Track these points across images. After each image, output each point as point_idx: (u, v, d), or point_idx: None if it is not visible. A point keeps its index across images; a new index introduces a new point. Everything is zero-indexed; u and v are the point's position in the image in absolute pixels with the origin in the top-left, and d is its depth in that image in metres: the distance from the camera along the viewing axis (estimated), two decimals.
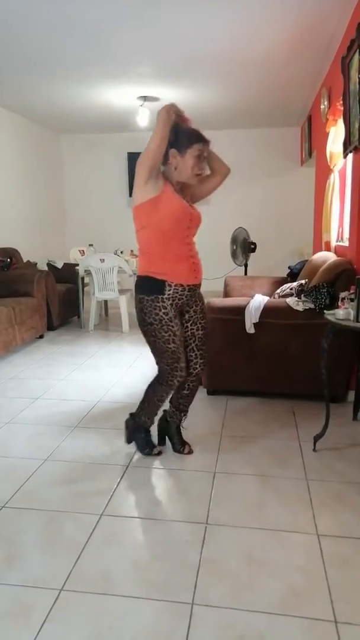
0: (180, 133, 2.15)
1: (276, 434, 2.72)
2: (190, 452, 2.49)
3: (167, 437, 2.55)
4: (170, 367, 2.26)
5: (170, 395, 2.44)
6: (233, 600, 1.53)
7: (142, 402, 2.43)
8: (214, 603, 1.52)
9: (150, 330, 2.22)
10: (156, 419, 2.52)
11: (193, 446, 2.53)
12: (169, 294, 2.18)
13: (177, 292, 2.19)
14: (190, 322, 2.34)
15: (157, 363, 2.31)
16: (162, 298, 2.17)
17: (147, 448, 2.45)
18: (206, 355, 2.42)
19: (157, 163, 2.09)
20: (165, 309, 2.18)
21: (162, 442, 2.55)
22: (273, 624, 1.43)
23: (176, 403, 2.47)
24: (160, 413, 2.50)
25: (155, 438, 2.53)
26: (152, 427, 2.50)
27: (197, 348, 2.37)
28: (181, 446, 2.50)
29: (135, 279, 2.29)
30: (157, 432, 2.55)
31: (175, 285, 2.18)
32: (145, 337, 2.27)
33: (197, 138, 2.16)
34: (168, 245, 2.17)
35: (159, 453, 2.46)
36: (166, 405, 2.48)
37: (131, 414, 2.49)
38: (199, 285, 2.31)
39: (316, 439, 2.53)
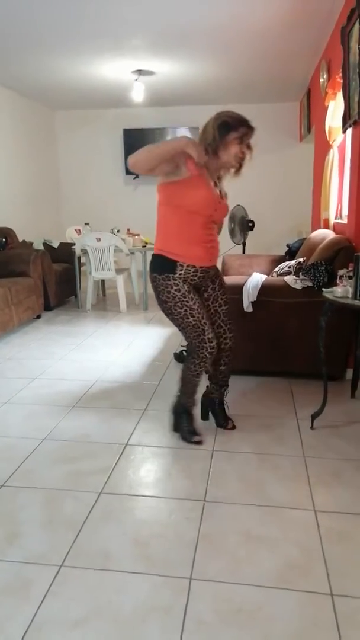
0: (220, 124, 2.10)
1: (274, 412, 2.73)
2: (233, 427, 2.54)
3: (210, 413, 2.60)
4: (197, 340, 2.25)
5: (206, 371, 2.44)
6: (231, 575, 1.55)
7: (180, 383, 2.41)
8: (212, 578, 1.54)
9: (166, 308, 2.24)
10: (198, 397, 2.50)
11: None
12: (180, 274, 2.20)
13: (189, 273, 2.22)
14: (211, 299, 2.37)
15: (186, 339, 2.31)
16: (174, 277, 2.20)
17: (188, 434, 2.40)
18: (234, 328, 2.45)
19: (152, 168, 2.04)
20: (177, 286, 2.20)
21: (205, 416, 2.61)
22: (270, 597, 1.46)
23: (215, 379, 2.52)
24: (202, 390, 2.51)
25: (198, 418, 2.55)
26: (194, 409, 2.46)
27: (224, 323, 2.40)
28: (224, 422, 2.55)
29: (151, 257, 2.30)
30: (200, 407, 2.59)
31: (188, 266, 2.21)
32: (166, 315, 2.28)
33: (238, 123, 2.11)
34: (185, 228, 2.18)
35: (198, 442, 2.37)
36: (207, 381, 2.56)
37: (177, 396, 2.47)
38: (212, 267, 2.33)
39: (314, 416, 2.55)
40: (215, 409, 2.57)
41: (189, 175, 2.10)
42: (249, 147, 2.14)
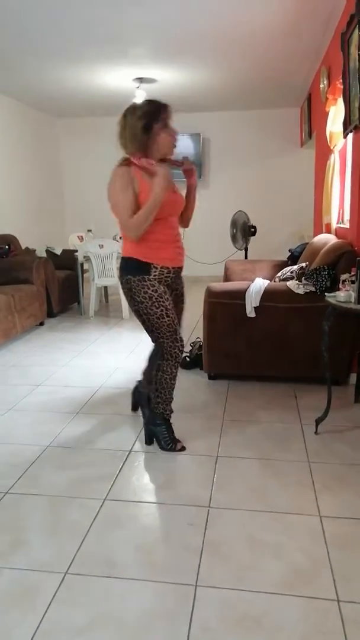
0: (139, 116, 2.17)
1: (278, 418, 2.73)
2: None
3: (139, 407, 2.67)
4: (170, 339, 2.26)
5: (147, 369, 2.46)
6: (236, 581, 1.54)
7: (155, 390, 2.35)
8: (217, 584, 1.53)
9: (141, 308, 2.23)
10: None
11: (195, 430, 2.54)
12: (154, 275, 2.22)
13: (162, 274, 2.24)
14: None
15: (156, 340, 2.30)
16: (149, 278, 2.21)
17: (170, 443, 2.36)
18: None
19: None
20: (154, 287, 2.21)
21: (134, 408, 2.77)
22: (276, 604, 1.45)
23: (149, 376, 2.45)
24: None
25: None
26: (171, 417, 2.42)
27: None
28: (152, 419, 2.46)
29: (120, 260, 2.30)
30: (130, 401, 2.77)
31: (162, 268, 2.23)
32: (138, 316, 2.27)
33: (156, 113, 2.15)
34: (152, 232, 2.19)
35: (183, 448, 2.37)
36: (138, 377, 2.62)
37: (149, 408, 2.42)
38: (181, 268, 2.36)
39: (318, 421, 2.54)
40: (144, 403, 2.53)
41: (138, 187, 2.15)
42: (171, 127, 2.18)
